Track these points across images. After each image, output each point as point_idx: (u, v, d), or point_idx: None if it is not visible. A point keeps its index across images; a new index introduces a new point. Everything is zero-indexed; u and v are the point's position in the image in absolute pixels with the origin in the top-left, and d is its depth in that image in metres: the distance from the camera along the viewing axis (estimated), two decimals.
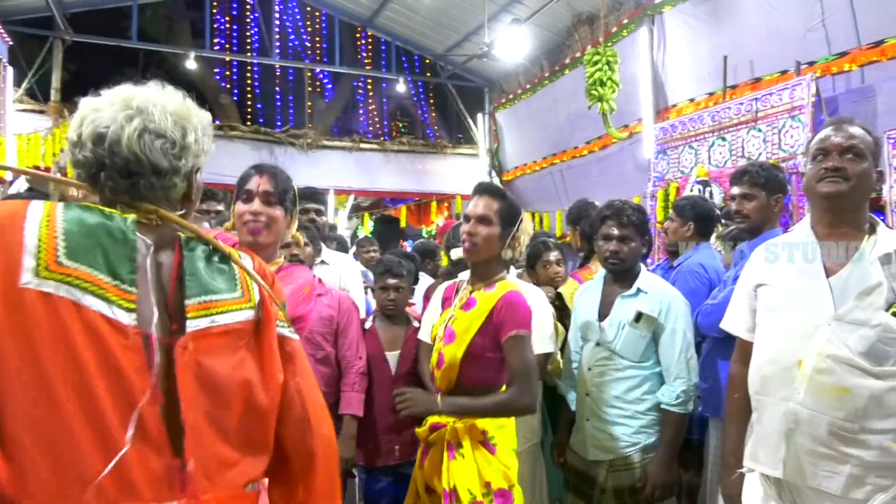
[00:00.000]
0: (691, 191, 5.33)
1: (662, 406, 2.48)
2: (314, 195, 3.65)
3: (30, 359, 0.90)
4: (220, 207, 3.48)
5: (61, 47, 8.36)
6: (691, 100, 6.38)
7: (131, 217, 1.06)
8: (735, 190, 2.83)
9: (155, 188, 1.11)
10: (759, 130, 5.16)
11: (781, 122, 4.99)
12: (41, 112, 8.19)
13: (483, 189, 2.23)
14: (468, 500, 1.98)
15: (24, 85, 8.07)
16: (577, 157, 8.17)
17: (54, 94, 8.32)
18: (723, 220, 3.44)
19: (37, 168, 7.35)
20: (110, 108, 1.09)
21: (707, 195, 5.17)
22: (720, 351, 2.66)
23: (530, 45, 7.44)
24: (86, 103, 1.12)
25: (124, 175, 1.09)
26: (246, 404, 1.09)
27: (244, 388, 1.08)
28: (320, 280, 2.96)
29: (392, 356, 2.96)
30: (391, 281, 2.99)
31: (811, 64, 5.08)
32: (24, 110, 8.04)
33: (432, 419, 2.15)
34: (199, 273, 1.09)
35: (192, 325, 1.05)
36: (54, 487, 0.89)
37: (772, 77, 5.44)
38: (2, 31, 7.45)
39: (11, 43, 7.74)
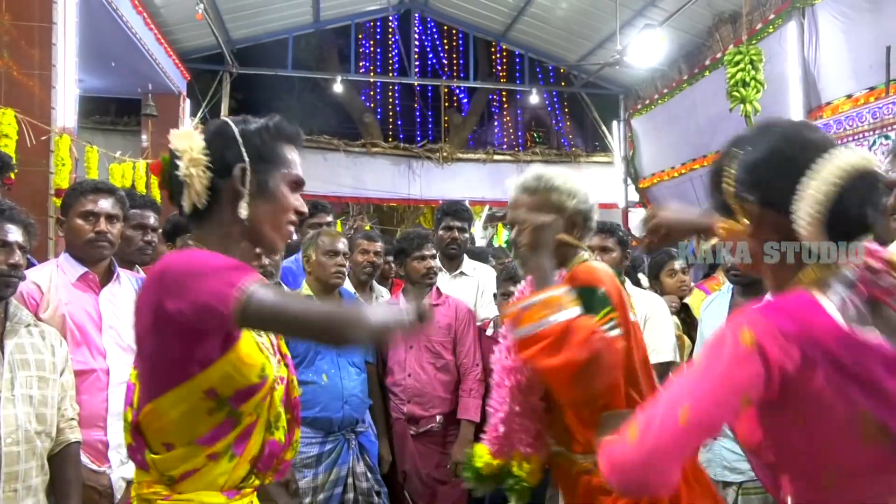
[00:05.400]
0: None
1: None
2: (456, 212, 3.43)
3: None
4: (329, 218, 3.65)
5: (229, 79, 9.37)
6: (849, 96, 5.86)
7: None
8: None
9: None
10: None
11: None
12: None
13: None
14: None
15: (199, 115, 9.11)
16: None
17: None
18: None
19: None
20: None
21: None
22: None
23: (667, 49, 7.21)
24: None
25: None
26: None
27: None
28: (438, 290, 3.10)
29: None
30: None
31: None
32: None
33: None
34: None
35: None
36: None
37: None
38: (182, 69, 8.51)
39: (189, 79, 8.81)
